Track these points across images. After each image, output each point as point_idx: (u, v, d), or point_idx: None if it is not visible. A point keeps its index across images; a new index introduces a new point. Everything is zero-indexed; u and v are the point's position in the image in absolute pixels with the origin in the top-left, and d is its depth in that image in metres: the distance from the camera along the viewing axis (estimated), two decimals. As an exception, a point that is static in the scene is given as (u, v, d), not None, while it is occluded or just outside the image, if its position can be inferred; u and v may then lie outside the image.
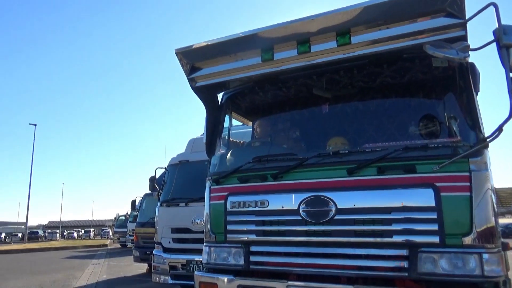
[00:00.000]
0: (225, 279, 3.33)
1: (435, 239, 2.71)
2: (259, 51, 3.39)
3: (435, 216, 2.73)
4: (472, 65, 3.18)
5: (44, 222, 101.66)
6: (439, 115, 3.25)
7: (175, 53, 3.59)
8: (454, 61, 2.71)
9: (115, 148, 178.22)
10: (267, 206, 3.29)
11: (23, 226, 50.92)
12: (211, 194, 3.70)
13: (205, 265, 3.61)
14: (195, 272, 3.63)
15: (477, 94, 3.32)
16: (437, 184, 2.77)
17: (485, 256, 2.61)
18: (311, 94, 3.73)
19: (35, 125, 37.46)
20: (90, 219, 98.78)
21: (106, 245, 30.10)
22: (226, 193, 3.55)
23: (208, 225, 3.66)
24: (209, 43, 3.47)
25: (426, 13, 2.82)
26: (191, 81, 3.75)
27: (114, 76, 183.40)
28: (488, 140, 2.71)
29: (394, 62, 3.33)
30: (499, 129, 2.63)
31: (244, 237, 3.39)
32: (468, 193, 2.71)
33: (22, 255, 21.90)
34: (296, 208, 3.13)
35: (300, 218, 3.11)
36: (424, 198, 2.78)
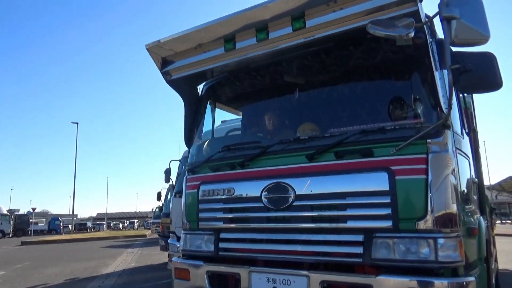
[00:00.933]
0: (195, 265, 3.44)
1: (389, 224, 2.65)
2: (222, 42, 3.42)
3: (388, 201, 2.66)
4: (441, 41, 3.03)
5: (94, 214, 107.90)
6: (405, 96, 3.13)
7: (146, 49, 3.68)
8: (395, 38, 2.59)
9: (156, 142, 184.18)
10: (233, 193, 3.35)
11: (75, 218, 54.56)
12: (187, 184, 3.81)
13: (182, 252, 3.74)
14: (173, 259, 3.77)
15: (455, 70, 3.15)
16: (392, 168, 2.69)
17: (441, 241, 2.51)
18: (284, 81, 3.71)
19: (77, 123, 39.52)
20: (135, 211, 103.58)
21: (145, 235, 31.48)
22: (199, 182, 3.65)
23: (184, 214, 3.78)
24: (174, 37, 3.53)
25: None
26: (165, 74, 3.84)
27: (149, 74, 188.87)
28: (441, 120, 2.60)
29: (360, 44, 3.23)
30: (449, 106, 2.52)
31: (213, 225, 3.47)
32: (424, 176, 2.61)
33: (67, 245, 23.43)
34: (259, 195, 3.16)
35: (262, 205, 3.14)
36: (378, 182, 2.71)
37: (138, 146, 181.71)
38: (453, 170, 2.68)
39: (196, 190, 3.64)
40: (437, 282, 2.44)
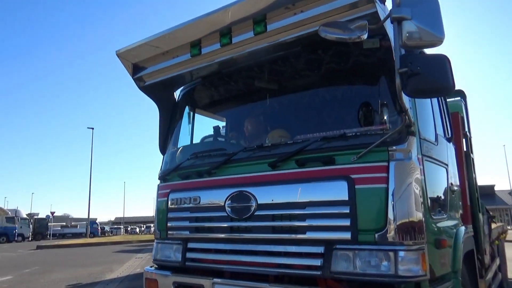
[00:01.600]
0: (163, 275, 3.37)
1: (347, 236, 2.51)
2: (189, 47, 3.36)
3: (347, 211, 2.53)
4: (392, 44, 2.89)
5: (112, 218, 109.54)
6: (372, 101, 2.98)
7: (116, 55, 3.65)
8: (346, 41, 2.47)
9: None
10: (199, 202, 3.27)
11: (95, 222, 55.79)
12: (158, 192, 3.75)
13: (153, 261, 3.68)
14: (145, 269, 3.71)
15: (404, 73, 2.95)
16: (353, 176, 2.56)
17: (401, 254, 2.37)
18: (255, 86, 3.61)
19: (93, 128, 40.30)
20: (153, 215, 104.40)
21: (158, 240, 31.62)
22: (168, 190, 3.59)
23: (156, 222, 3.72)
24: (143, 42, 3.48)
25: None
26: (138, 81, 3.80)
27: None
28: (399, 127, 2.46)
29: (327, 47, 3.11)
30: (405, 112, 2.39)
31: (181, 234, 3.40)
32: (384, 185, 2.47)
33: (80, 249, 23.78)
34: (223, 204, 3.08)
35: (226, 214, 3.05)
36: (338, 191, 2.59)
37: (154, 149, 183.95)
38: (418, 179, 2.54)
39: (166, 199, 3.58)
40: None
